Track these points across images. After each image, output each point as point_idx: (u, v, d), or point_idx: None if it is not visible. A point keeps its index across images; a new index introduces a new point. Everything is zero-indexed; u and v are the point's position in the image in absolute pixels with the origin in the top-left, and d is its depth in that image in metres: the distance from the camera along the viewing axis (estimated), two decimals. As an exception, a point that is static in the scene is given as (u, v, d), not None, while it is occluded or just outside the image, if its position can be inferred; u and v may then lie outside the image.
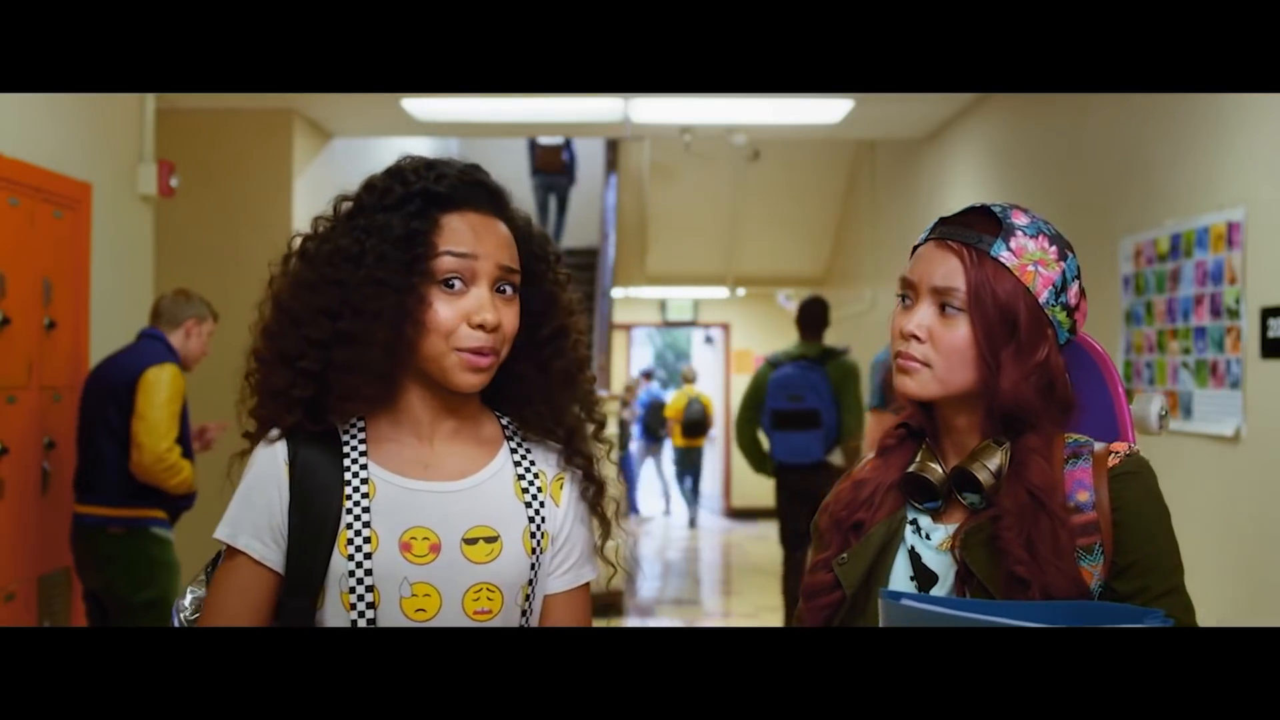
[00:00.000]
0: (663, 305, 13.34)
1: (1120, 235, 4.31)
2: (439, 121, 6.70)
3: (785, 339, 13.32)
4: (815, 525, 1.48)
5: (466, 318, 1.35)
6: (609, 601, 7.04)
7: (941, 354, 1.33)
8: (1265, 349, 3.34)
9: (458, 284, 1.35)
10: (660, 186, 9.76)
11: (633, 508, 11.08)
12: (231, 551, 1.37)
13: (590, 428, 1.48)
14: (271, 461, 1.38)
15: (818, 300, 5.79)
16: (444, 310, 1.34)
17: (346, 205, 1.40)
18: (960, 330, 1.32)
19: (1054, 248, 1.34)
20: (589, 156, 11.21)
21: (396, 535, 1.35)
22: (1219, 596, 3.46)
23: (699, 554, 10.82)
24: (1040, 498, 1.29)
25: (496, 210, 1.42)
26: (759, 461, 5.63)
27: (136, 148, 4.77)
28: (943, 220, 1.38)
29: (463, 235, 1.36)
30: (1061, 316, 1.34)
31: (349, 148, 6.97)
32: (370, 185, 1.40)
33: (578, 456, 1.47)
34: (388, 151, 8.86)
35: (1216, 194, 3.65)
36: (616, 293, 9.90)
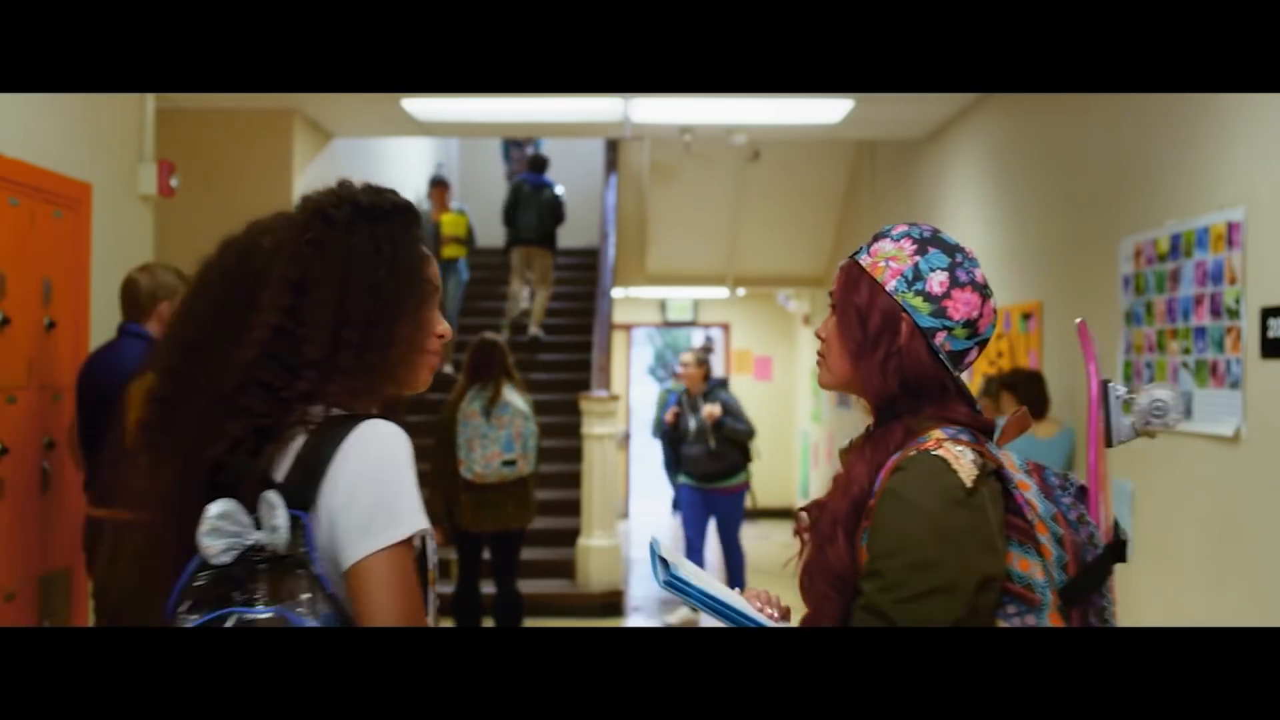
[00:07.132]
0: (663, 305, 13.32)
1: (1120, 235, 4.31)
2: (439, 121, 6.70)
3: (785, 339, 13.27)
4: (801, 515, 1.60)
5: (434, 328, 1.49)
6: (609, 602, 7.04)
7: (827, 345, 1.51)
8: (1265, 349, 3.34)
9: None
10: (660, 186, 9.75)
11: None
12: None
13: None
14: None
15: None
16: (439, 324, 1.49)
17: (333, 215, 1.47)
18: (832, 322, 1.51)
19: (913, 246, 1.46)
20: (589, 155, 11.19)
21: None
22: (1219, 596, 3.44)
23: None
24: (833, 483, 1.47)
25: None
26: None
27: (136, 148, 4.77)
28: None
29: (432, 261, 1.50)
30: (917, 302, 1.44)
31: (349, 148, 6.97)
32: (347, 202, 1.48)
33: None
34: (388, 151, 8.87)
35: (1216, 194, 3.65)
36: (616, 293, 9.88)
